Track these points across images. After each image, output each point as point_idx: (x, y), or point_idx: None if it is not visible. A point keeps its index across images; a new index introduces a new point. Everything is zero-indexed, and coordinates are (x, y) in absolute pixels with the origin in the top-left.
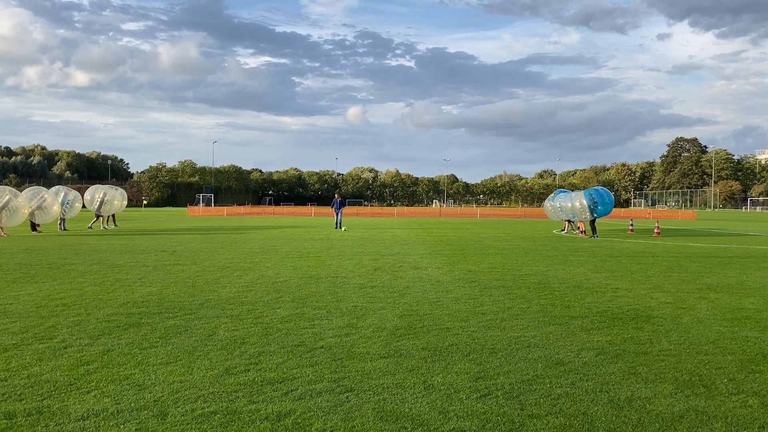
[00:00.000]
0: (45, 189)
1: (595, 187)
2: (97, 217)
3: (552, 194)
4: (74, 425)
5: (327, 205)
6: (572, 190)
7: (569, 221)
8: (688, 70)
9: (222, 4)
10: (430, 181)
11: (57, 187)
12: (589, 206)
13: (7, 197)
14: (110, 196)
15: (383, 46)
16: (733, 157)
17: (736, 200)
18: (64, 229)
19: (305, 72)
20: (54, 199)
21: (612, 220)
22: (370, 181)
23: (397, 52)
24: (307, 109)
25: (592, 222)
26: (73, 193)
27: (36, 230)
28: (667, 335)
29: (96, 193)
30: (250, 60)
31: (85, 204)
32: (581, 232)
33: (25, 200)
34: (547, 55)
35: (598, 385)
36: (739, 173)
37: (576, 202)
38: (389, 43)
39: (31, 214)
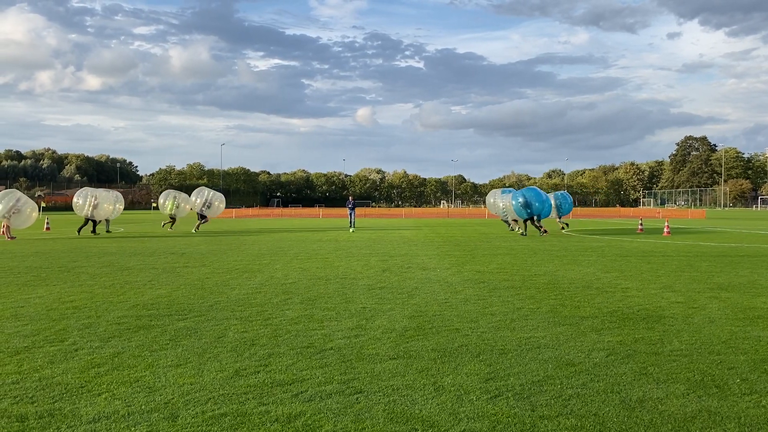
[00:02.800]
0: (93, 191)
1: (529, 187)
2: (87, 221)
3: (498, 191)
4: (86, 427)
5: (334, 206)
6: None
7: (515, 220)
8: (698, 68)
9: (232, 8)
10: (438, 181)
11: (113, 192)
12: (518, 205)
13: (16, 198)
14: (101, 200)
15: (392, 47)
16: (743, 156)
17: (746, 199)
18: (109, 231)
19: (314, 74)
20: (107, 200)
21: (621, 220)
22: (378, 182)
23: (407, 53)
24: (316, 111)
25: (528, 221)
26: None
27: (197, 227)
28: (679, 335)
29: (88, 197)
30: (260, 63)
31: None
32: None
33: (109, 200)
34: (556, 55)
35: (609, 385)
36: (750, 171)
37: (507, 201)
38: (398, 44)
39: (91, 213)
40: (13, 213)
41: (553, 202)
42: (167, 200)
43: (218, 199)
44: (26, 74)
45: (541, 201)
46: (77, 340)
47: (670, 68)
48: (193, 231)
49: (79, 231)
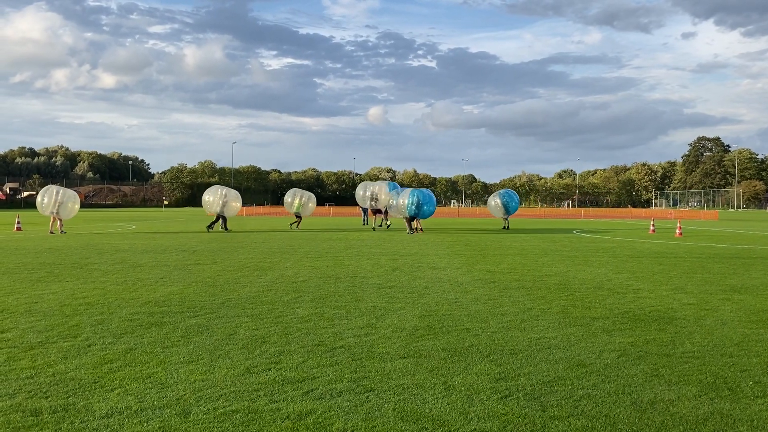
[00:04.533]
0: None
1: (420, 189)
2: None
3: (396, 189)
4: (99, 422)
5: (344, 205)
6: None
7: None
8: (712, 68)
9: (246, 7)
10: (448, 181)
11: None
12: (408, 205)
13: (57, 192)
14: (66, 198)
15: (405, 46)
16: (757, 157)
17: (760, 200)
18: (227, 229)
19: (327, 73)
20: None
21: (633, 221)
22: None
23: (419, 52)
24: (328, 109)
25: (410, 219)
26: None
27: (225, 228)
28: (691, 337)
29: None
30: (273, 62)
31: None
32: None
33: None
34: (569, 55)
35: (620, 387)
36: (763, 173)
37: (401, 200)
38: (411, 43)
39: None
40: (59, 205)
41: (499, 201)
42: (294, 198)
43: (312, 200)
44: (42, 72)
45: (428, 204)
46: (90, 336)
47: (684, 68)
48: (295, 228)
49: (210, 227)
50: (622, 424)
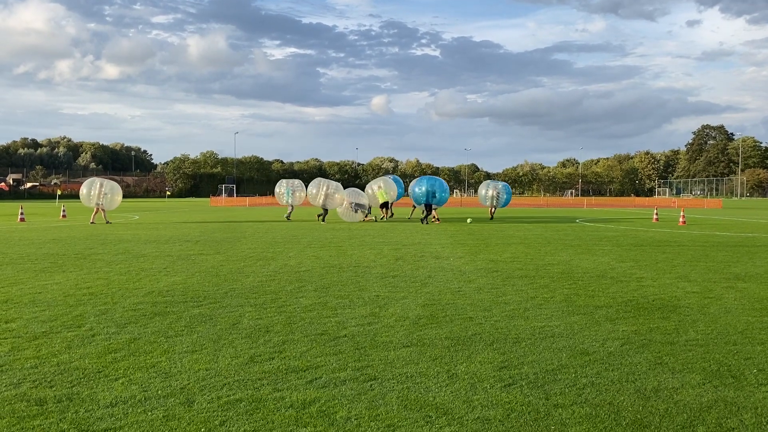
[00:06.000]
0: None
1: (433, 176)
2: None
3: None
4: (103, 411)
5: None
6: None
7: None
8: (717, 56)
9: None
10: (451, 170)
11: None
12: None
13: (100, 184)
14: (109, 189)
15: (408, 35)
16: (761, 145)
17: (763, 188)
18: (289, 219)
19: (330, 63)
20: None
21: (636, 209)
22: (390, 171)
23: (423, 41)
24: (331, 99)
25: (428, 207)
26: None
27: (322, 219)
28: (694, 325)
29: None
30: (276, 51)
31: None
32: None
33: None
34: (573, 43)
35: (624, 375)
36: (767, 161)
37: (416, 188)
38: (414, 32)
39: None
40: (103, 197)
41: (492, 192)
42: (320, 189)
43: (339, 191)
44: (46, 63)
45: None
46: (94, 326)
47: (688, 56)
48: (321, 221)
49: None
50: (625, 412)
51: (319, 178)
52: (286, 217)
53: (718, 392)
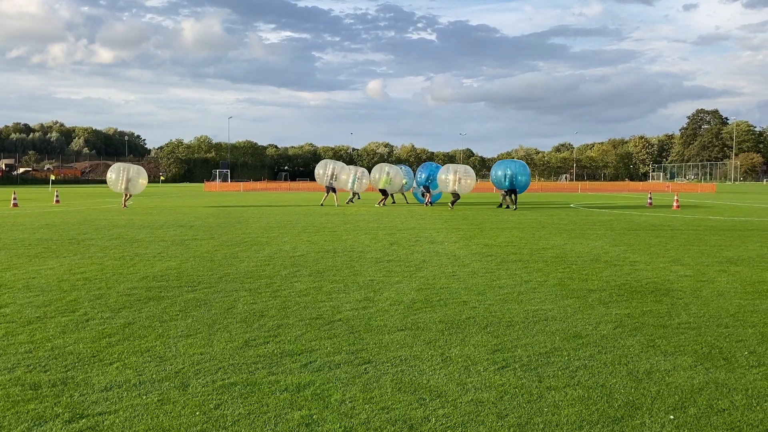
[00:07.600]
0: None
1: (513, 160)
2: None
3: (410, 174)
4: (98, 395)
5: None
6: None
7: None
8: (713, 41)
9: None
10: (446, 155)
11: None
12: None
13: (127, 169)
14: (134, 174)
15: (405, 19)
16: (755, 129)
17: (757, 173)
18: (352, 202)
19: (326, 47)
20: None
21: (630, 194)
22: (385, 156)
23: (419, 25)
24: (326, 84)
25: (508, 193)
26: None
27: (383, 204)
28: (687, 308)
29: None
30: (272, 35)
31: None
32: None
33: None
34: (569, 27)
35: (616, 357)
36: (761, 145)
37: (442, 175)
38: (411, 16)
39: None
40: (129, 181)
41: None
42: (381, 174)
43: (366, 176)
44: (39, 47)
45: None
46: (88, 311)
47: (684, 40)
48: (381, 205)
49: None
50: (618, 394)
51: (351, 166)
52: (349, 201)
53: (710, 374)
